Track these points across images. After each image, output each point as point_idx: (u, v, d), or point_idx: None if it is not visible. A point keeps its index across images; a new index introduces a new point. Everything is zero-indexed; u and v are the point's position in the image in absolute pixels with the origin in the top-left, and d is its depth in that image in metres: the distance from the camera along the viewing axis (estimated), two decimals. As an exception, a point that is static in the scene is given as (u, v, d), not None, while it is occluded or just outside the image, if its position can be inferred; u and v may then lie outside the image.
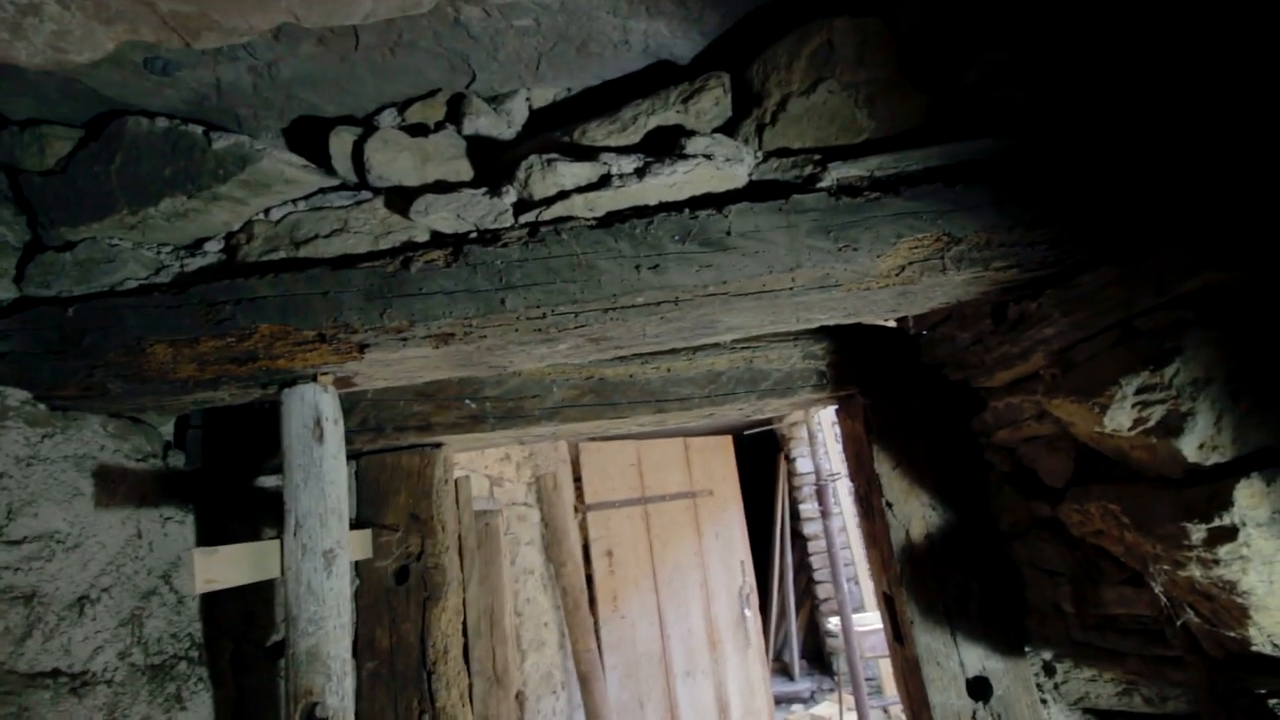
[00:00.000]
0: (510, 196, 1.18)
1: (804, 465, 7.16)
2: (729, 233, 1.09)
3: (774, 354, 1.62)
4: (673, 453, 5.98)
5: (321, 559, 1.13)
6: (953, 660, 1.44)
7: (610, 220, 1.14)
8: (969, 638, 1.45)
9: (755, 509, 6.75)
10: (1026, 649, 1.46)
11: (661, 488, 5.72)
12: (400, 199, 1.23)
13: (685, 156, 1.16)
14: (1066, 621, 1.39)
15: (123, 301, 1.16)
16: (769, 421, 7.43)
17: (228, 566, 1.05)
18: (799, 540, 7.24)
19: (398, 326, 1.10)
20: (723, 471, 6.26)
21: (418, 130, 1.25)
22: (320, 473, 1.17)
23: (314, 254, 1.20)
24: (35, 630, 1.14)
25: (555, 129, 1.24)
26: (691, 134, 1.18)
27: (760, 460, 7.56)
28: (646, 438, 5.86)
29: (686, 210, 1.12)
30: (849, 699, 6.10)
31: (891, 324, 1.79)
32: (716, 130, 1.23)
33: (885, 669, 5.95)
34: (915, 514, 1.52)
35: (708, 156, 1.17)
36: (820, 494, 4.69)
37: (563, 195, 1.14)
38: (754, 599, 5.97)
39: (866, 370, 1.64)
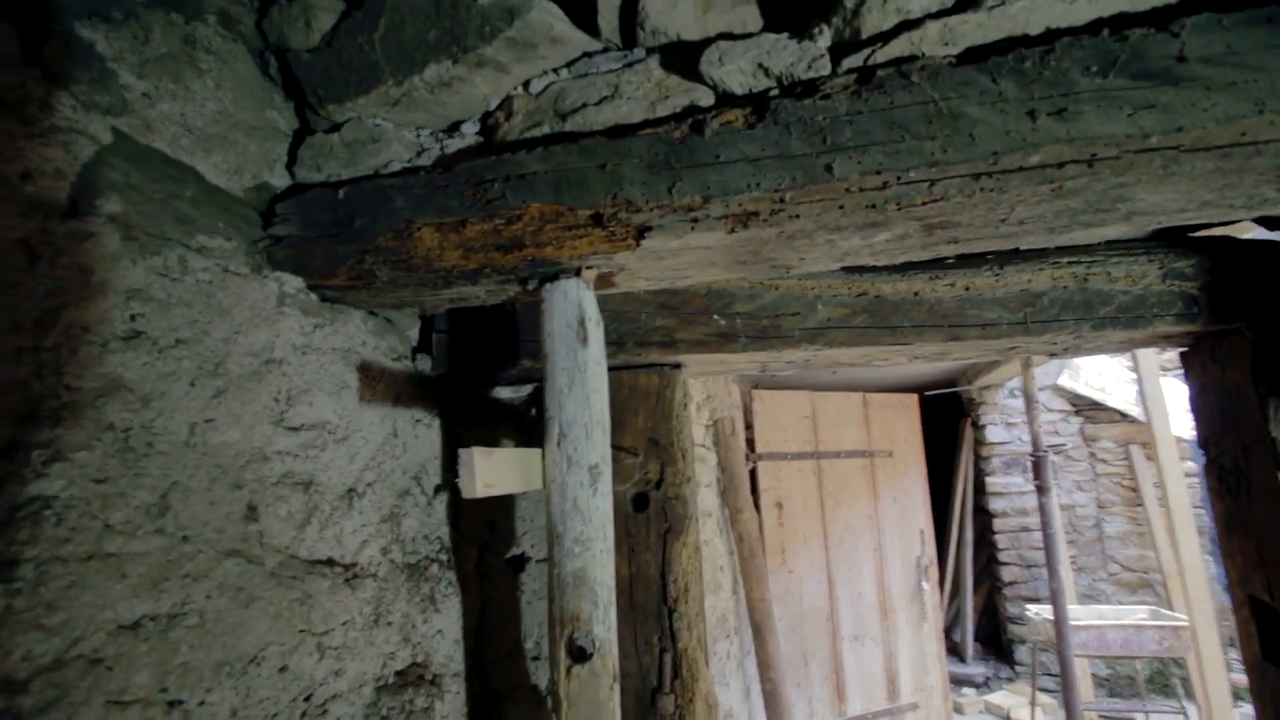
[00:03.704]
0: (824, 39, 0.92)
1: (995, 434, 6.41)
2: (1182, 57, 0.74)
3: (1119, 270, 1.22)
4: (850, 408, 5.57)
5: (587, 474, 1.01)
6: (1396, 702, 1.03)
7: (975, 56, 0.83)
8: None
9: (929, 476, 6.16)
10: None
11: (836, 444, 5.37)
12: (679, 57, 1.01)
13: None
14: None
15: (390, 182, 1.08)
16: (954, 383, 6.75)
17: (502, 471, 0.96)
18: (980, 515, 6.57)
19: (688, 203, 0.90)
20: (905, 433, 5.73)
21: (694, -25, 1.02)
22: (584, 379, 1.03)
23: (582, 126, 1.04)
24: (313, 518, 1.14)
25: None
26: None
27: (938, 424, 6.86)
28: (822, 389, 5.49)
29: (1106, 31, 0.78)
30: (1043, 698, 5.46)
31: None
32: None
33: (1080, 668, 5.21)
34: (1340, 495, 1.09)
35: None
36: (1037, 467, 4.05)
37: (907, 26, 0.85)
38: (934, 572, 5.47)
39: (1257, 299, 1.19)
